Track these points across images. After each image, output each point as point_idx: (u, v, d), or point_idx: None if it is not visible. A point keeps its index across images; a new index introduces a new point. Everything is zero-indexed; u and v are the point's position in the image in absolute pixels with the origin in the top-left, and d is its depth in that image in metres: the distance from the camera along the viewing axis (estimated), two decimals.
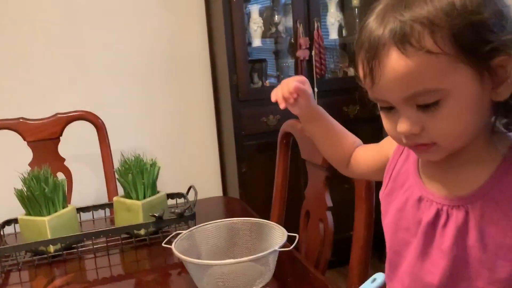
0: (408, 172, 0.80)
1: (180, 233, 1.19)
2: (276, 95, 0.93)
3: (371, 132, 2.80)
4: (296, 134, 1.44)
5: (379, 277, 0.71)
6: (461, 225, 0.70)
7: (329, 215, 1.26)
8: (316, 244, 1.30)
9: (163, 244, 1.16)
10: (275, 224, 1.17)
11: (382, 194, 0.85)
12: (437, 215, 0.72)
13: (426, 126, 0.66)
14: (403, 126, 0.67)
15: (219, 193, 2.92)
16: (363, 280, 0.94)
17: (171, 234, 1.23)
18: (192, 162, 2.87)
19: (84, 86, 2.59)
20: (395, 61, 0.63)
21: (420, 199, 0.75)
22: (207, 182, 2.90)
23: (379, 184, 0.87)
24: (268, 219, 1.25)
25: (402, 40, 0.62)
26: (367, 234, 1.09)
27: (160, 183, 1.50)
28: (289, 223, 1.54)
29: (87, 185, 2.37)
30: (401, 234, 0.78)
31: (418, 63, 0.61)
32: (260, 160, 2.62)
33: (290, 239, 1.12)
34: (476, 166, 0.71)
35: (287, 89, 0.91)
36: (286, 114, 2.58)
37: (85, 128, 2.03)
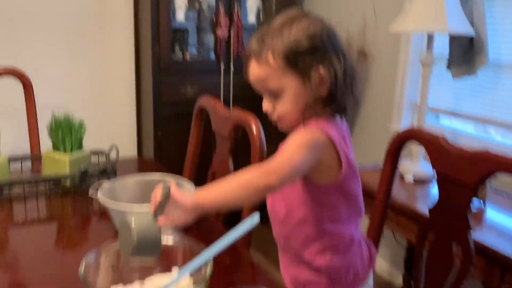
0: None
1: (104, 184, 1.41)
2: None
3: None
4: (209, 110, 1.69)
5: (255, 216, 0.98)
6: None
7: None
8: None
9: (89, 195, 1.37)
10: (186, 180, 1.42)
11: None
12: None
13: (275, 107, 1.03)
14: (264, 105, 1.06)
15: (134, 154, 3.11)
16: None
17: (95, 186, 1.44)
18: (109, 124, 3.02)
19: (10, 42, 2.66)
20: (253, 68, 1.02)
21: None
22: (123, 144, 3.07)
23: None
24: None
25: (257, 56, 1.00)
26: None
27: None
28: (198, 184, 1.79)
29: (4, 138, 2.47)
30: None
31: (264, 70, 1.00)
32: (176, 126, 2.85)
33: None
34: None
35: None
36: (204, 86, 2.85)
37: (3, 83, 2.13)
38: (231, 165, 1.54)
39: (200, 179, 1.81)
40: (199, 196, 0.90)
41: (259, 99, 1.07)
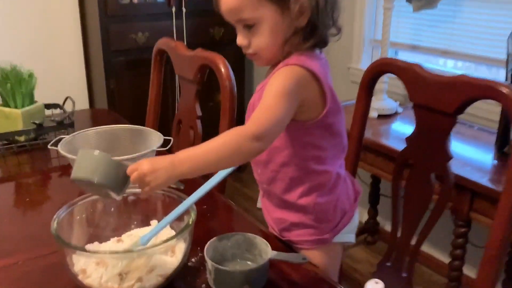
0: None
1: (63, 137, 1.31)
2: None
3: (233, 54, 3.03)
4: (169, 52, 1.59)
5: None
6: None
7: (198, 123, 1.46)
8: (187, 147, 1.50)
9: (49, 146, 1.27)
10: (152, 130, 1.34)
11: None
12: None
13: (251, 41, 0.95)
14: (238, 39, 0.97)
15: (86, 107, 2.96)
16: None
17: (52, 140, 1.34)
18: (57, 77, 2.84)
19: None
20: None
21: None
22: (73, 97, 2.91)
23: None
24: None
25: None
26: None
27: None
28: (162, 132, 1.71)
29: None
30: None
31: (239, 0, 0.90)
32: (128, 76, 2.71)
33: (165, 145, 1.31)
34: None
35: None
36: (155, 32, 2.71)
37: None
38: (198, 110, 1.46)
39: (164, 129, 1.73)
40: (182, 160, 0.85)
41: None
